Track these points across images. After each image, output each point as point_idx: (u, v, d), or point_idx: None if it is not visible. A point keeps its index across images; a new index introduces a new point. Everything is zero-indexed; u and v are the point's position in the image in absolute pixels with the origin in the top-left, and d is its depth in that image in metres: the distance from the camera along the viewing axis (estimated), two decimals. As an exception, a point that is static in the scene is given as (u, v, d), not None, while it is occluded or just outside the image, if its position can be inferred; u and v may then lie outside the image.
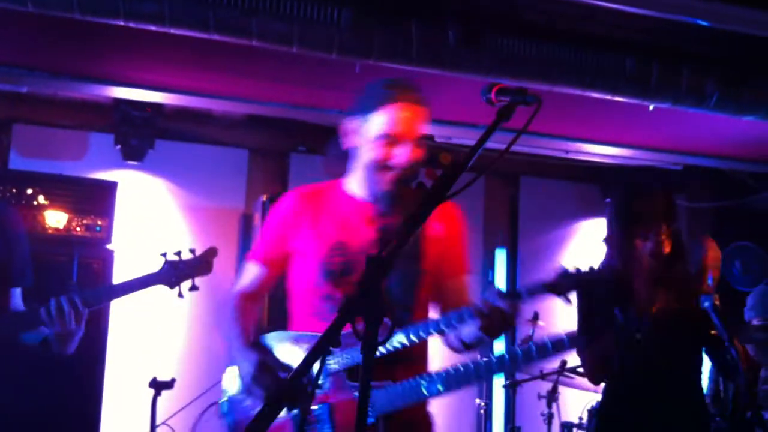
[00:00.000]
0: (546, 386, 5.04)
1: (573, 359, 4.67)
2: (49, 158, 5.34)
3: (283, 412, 2.13)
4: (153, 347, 5.18)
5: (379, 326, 1.52)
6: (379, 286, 1.56)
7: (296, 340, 2.42)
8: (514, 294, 2.15)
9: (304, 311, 2.46)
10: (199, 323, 5.31)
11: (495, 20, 4.06)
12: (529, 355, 2.24)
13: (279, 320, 2.61)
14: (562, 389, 5.01)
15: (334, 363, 2.33)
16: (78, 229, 4.50)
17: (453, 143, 5.76)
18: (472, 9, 4.04)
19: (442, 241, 2.46)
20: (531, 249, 6.57)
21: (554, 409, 4.99)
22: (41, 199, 4.42)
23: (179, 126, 5.73)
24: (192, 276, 2.61)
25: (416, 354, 2.39)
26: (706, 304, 2.51)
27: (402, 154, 2.34)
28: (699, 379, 2.91)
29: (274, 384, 2.29)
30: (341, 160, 2.50)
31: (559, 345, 2.24)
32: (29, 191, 4.40)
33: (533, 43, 4.10)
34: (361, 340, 1.52)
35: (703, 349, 2.90)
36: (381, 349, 2.24)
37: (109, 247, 4.63)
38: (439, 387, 2.28)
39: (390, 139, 2.33)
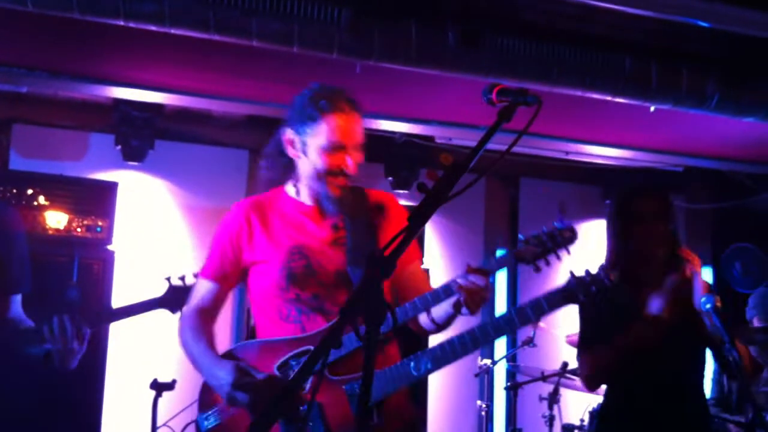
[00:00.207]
0: (547, 388, 5.03)
1: (574, 361, 4.66)
2: (49, 159, 5.33)
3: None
4: (154, 348, 5.17)
5: (380, 326, 1.53)
6: (380, 287, 1.56)
7: (270, 347, 2.43)
8: (484, 268, 2.20)
9: (272, 317, 2.47)
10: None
11: (495, 20, 4.06)
12: (510, 320, 2.27)
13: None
14: (563, 391, 5.00)
15: None
16: (78, 229, 4.50)
17: (453, 144, 5.76)
18: (472, 9, 4.04)
19: (392, 232, 2.50)
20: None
21: (555, 411, 4.98)
22: (41, 199, 4.42)
23: (179, 126, 5.72)
24: None
25: (387, 338, 2.45)
26: (708, 305, 2.51)
27: (351, 160, 2.43)
28: (701, 381, 2.90)
29: (260, 386, 2.29)
30: (280, 166, 2.55)
31: (538, 307, 2.25)
32: (29, 192, 4.40)
33: (533, 44, 4.10)
34: (362, 340, 1.52)
35: (706, 350, 2.89)
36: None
37: (109, 247, 4.63)
38: (428, 365, 2.30)
39: (337, 148, 2.41)
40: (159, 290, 2.65)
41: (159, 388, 4.10)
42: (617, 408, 2.91)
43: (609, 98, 4.38)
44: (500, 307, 6.44)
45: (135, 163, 5.42)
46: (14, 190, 4.38)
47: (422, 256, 2.63)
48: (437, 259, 6.15)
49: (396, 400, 2.40)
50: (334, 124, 2.40)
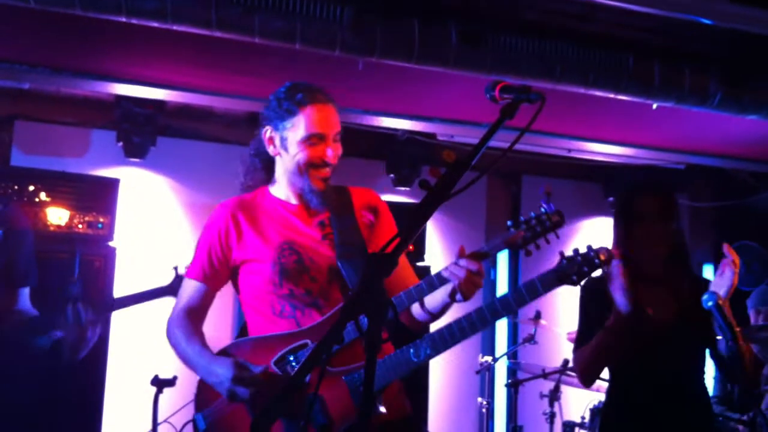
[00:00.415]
0: (548, 385, 5.04)
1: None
2: (51, 155, 5.33)
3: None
4: (155, 345, 5.17)
5: (382, 322, 1.53)
6: (381, 283, 1.56)
7: (265, 343, 2.44)
8: (479, 253, 2.23)
9: (266, 314, 2.48)
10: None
11: (497, 18, 4.06)
12: (506, 302, 2.28)
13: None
14: (564, 388, 5.01)
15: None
16: (80, 226, 4.50)
17: (455, 142, 5.75)
18: (474, 6, 4.03)
19: (376, 226, 2.57)
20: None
21: (556, 408, 4.99)
22: (43, 196, 4.42)
23: (181, 123, 5.73)
24: None
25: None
26: (710, 303, 2.50)
27: (331, 150, 2.45)
28: (702, 379, 2.90)
29: (259, 380, 2.30)
30: (259, 170, 2.60)
31: (532, 288, 2.27)
32: (31, 188, 4.39)
33: (536, 42, 4.09)
34: (364, 337, 1.52)
35: (708, 349, 2.89)
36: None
37: (111, 244, 4.63)
38: (427, 350, 2.31)
39: (317, 138, 2.43)
40: (163, 282, 2.68)
41: (160, 384, 4.10)
42: (618, 407, 2.91)
43: (611, 96, 4.38)
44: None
45: (136, 160, 5.43)
46: (16, 187, 4.38)
47: (413, 249, 2.65)
48: (438, 257, 6.14)
49: (394, 391, 2.42)
50: (312, 115, 2.43)
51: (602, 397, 3.18)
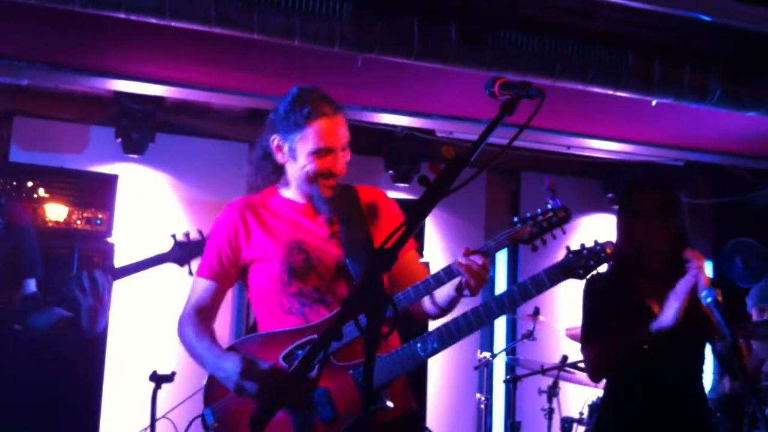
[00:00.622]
0: (547, 381, 5.04)
1: (574, 354, 4.67)
2: (49, 151, 5.33)
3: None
4: (153, 340, 5.18)
5: (382, 318, 1.53)
6: (381, 279, 1.56)
7: (273, 338, 2.46)
8: (482, 250, 2.25)
9: (275, 311, 2.50)
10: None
11: (497, 14, 4.06)
12: (512, 295, 2.31)
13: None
14: (562, 384, 5.01)
15: None
16: (78, 222, 4.50)
17: (454, 138, 5.75)
18: (473, 3, 4.03)
19: (384, 224, 2.58)
20: (532, 244, 6.56)
21: (555, 404, 4.99)
22: (41, 192, 4.41)
23: (180, 119, 5.72)
24: (201, 254, 2.68)
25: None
26: (709, 299, 2.50)
27: (340, 162, 2.47)
28: (701, 376, 2.90)
29: (266, 374, 2.32)
30: (267, 172, 2.60)
31: (539, 282, 2.30)
32: (29, 184, 4.39)
33: (536, 38, 4.09)
34: (364, 334, 1.52)
35: (706, 345, 2.89)
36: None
37: (109, 240, 4.62)
38: (434, 344, 2.35)
39: (325, 152, 2.45)
40: (162, 250, 2.73)
41: (158, 380, 4.11)
42: (616, 406, 2.91)
43: (611, 92, 4.37)
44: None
45: (135, 156, 5.42)
46: (14, 183, 4.37)
47: (417, 245, 2.65)
48: (438, 253, 6.14)
49: (401, 386, 2.45)
50: (321, 129, 2.44)
51: (601, 393, 3.18)
